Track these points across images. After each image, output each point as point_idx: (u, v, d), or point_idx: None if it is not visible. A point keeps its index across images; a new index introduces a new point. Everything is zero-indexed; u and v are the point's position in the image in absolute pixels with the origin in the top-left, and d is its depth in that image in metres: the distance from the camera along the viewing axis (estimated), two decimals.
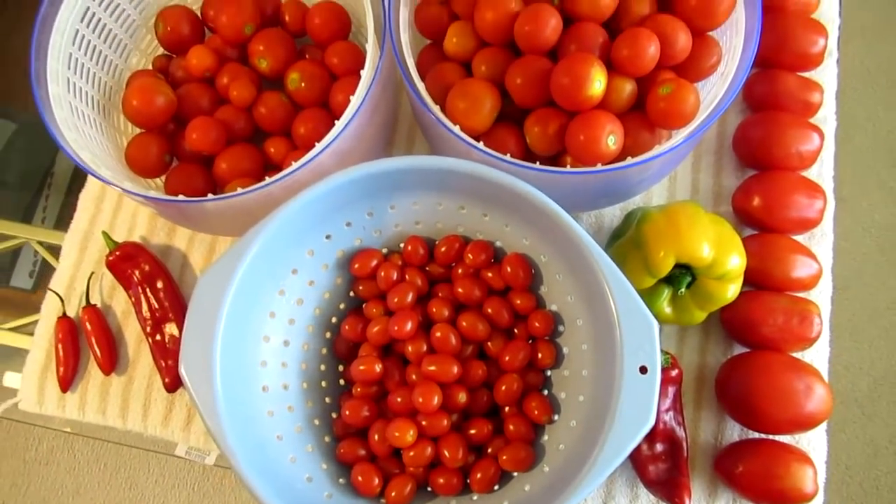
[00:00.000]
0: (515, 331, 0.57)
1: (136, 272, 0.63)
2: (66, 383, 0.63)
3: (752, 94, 0.65)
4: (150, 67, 0.67)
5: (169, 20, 0.65)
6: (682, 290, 0.56)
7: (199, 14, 0.67)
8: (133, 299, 0.63)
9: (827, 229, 0.63)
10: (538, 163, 0.52)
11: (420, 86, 0.54)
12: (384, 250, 0.60)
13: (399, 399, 0.54)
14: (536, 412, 0.54)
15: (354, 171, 0.52)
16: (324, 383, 0.59)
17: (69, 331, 0.63)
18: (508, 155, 0.52)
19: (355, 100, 0.54)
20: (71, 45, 0.59)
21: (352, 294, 0.60)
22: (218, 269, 0.51)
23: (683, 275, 0.56)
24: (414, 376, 0.55)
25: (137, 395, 0.63)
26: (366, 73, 0.55)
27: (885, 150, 1.30)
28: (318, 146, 0.54)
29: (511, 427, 0.54)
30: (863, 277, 1.21)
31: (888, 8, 1.39)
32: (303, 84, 0.63)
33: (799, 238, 0.62)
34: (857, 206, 1.26)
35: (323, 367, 0.59)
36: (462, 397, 0.54)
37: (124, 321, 0.65)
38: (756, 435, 0.58)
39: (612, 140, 0.51)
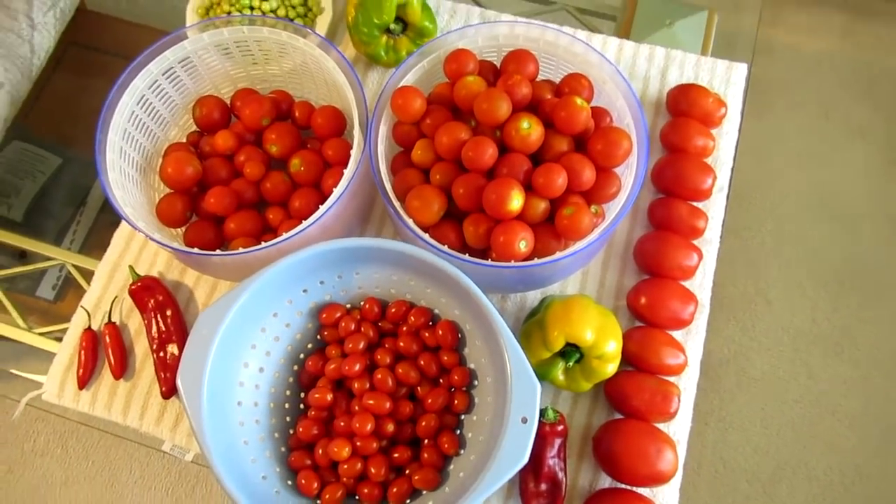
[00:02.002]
0: (441, 380, 0.73)
1: (151, 300, 0.79)
2: (83, 382, 0.78)
3: (654, 215, 0.82)
4: (185, 140, 0.85)
5: (204, 106, 0.83)
6: (571, 363, 0.72)
7: (228, 103, 0.85)
8: (146, 322, 0.79)
9: (699, 328, 0.80)
10: (468, 255, 0.69)
11: (388, 186, 0.72)
12: (348, 305, 0.76)
13: (342, 423, 0.70)
14: (447, 446, 0.69)
15: (331, 244, 0.69)
16: (287, 405, 0.74)
17: (91, 340, 0.79)
18: (447, 246, 0.69)
19: (338, 189, 0.72)
20: (127, 122, 0.77)
21: (318, 337, 0.76)
22: (215, 308, 0.67)
23: (572, 352, 0.72)
24: (356, 407, 0.71)
25: (138, 398, 0.78)
26: (348, 170, 0.72)
27: (808, 264, 1.49)
28: (306, 222, 0.71)
29: (426, 455, 0.69)
30: (777, 372, 1.37)
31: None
32: (302, 168, 0.80)
33: (676, 333, 0.79)
34: (780, 308, 1.44)
35: (288, 392, 0.75)
36: (390, 427, 0.70)
37: (136, 338, 0.81)
38: (620, 485, 0.73)
39: (523, 244, 0.68)
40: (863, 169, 1.58)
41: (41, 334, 0.87)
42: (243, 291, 0.67)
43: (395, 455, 0.70)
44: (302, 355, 0.76)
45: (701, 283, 0.82)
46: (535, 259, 0.69)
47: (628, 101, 0.74)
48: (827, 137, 1.61)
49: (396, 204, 0.71)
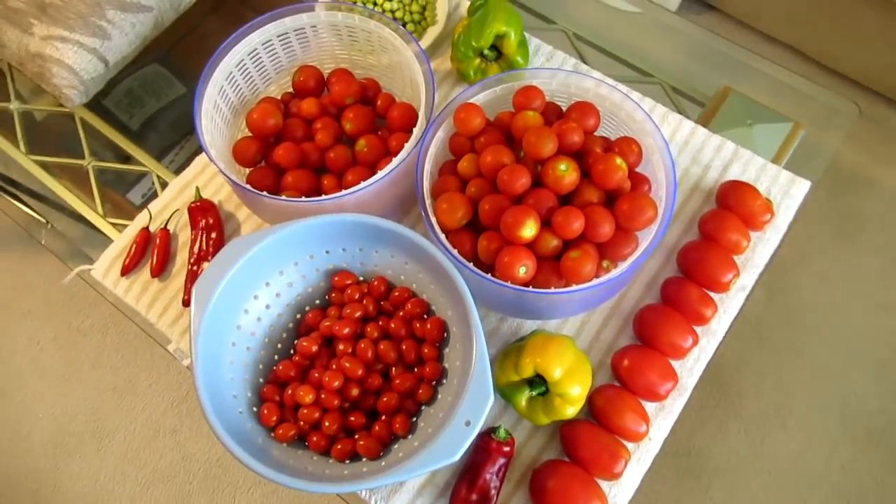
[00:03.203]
0: (415, 369, 0.78)
1: (203, 220, 0.90)
2: (126, 270, 0.90)
3: (666, 290, 0.85)
4: (279, 98, 0.96)
5: (304, 73, 0.94)
6: (535, 393, 0.76)
7: (325, 77, 0.96)
8: (192, 237, 0.90)
9: (673, 409, 0.81)
10: (472, 263, 0.74)
11: (426, 183, 0.79)
12: (360, 278, 0.84)
13: (316, 374, 0.77)
14: (398, 426, 0.75)
15: (352, 216, 0.76)
16: (279, 345, 0.82)
17: (145, 239, 0.91)
18: (457, 251, 0.75)
19: (383, 171, 0.79)
20: (234, 67, 0.89)
21: (327, 297, 0.84)
22: (246, 239, 0.76)
23: (539, 383, 0.76)
24: (334, 365, 0.77)
25: (164, 298, 0.89)
26: (397, 157, 0.80)
27: (841, 404, 1.43)
28: (346, 191, 0.79)
29: (377, 428, 0.75)
30: (770, 500, 1.32)
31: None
32: (366, 149, 0.89)
33: (648, 406, 0.80)
34: (796, 437, 1.39)
35: (284, 335, 0.82)
36: (355, 391, 0.76)
37: (181, 249, 0.92)
38: None
39: (523, 270, 0.73)
40: None
41: (112, 223, 1.00)
42: (272, 233, 0.76)
43: (351, 418, 0.76)
44: (308, 308, 0.83)
45: (690, 368, 0.83)
46: (531, 287, 0.73)
47: (668, 176, 0.78)
48: None
49: (427, 200, 0.78)
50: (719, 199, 0.90)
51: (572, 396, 0.74)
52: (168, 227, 0.92)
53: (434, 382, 0.78)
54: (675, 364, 0.82)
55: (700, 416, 1.42)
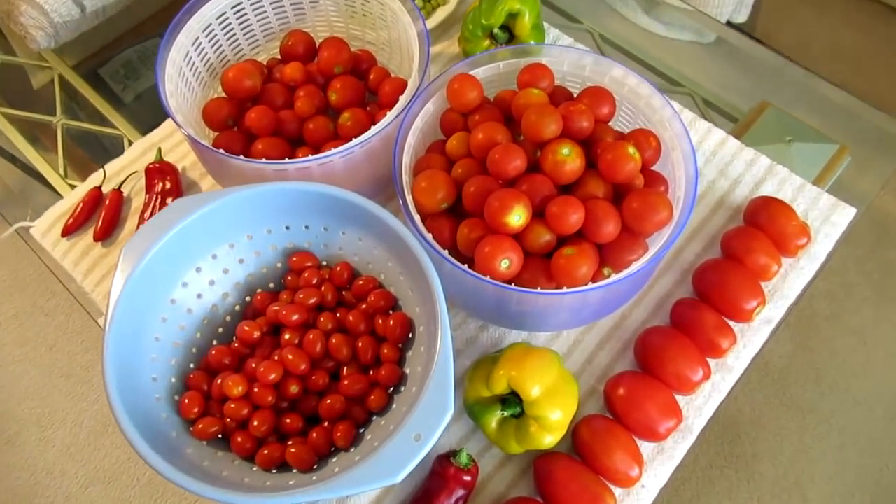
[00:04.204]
0: (371, 371, 0.66)
1: (161, 184, 0.80)
2: (67, 231, 0.80)
3: (676, 313, 0.72)
4: (264, 63, 0.87)
5: (293, 38, 0.85)
6: (507, 414, 0.63)
7: (317, 43, 0.87)
8: (146, 201, 0.80)
9: (673, 454, 0.68)
10: (447, 251, 0.63)
11: (406, 158, 0.68)
12: (324, 262, 0.73)
13: (253, 364, 0.65)
14: (339, 435, 0.62)
15: (317, 187, 0.66)
16: (220, 329, 0.71)
17: (94, 199, 0.81)
18: (431, 235, 0.64)
19: (357, 139, 0.69)
20: (215, 19, 0.80)
21: (283, 280, 0.73)
22: (192, 199, 0.66)
23: (513, 402, 0.63)
24: (276, 356, 0.66)
25: (104, 266, 0.79)
26: (375, 127, 0.70)
27: (870, 482, 1.26)
28: (312, 157, 0.69)
29: (314, 435, 0.63)
30: None
31: None
32: (349, 122, 0.78)
33: (644, 444, 0.67)
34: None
35: (227, 318, 0.71)
36: (294, 388, 0.64)
37: (132, 215, 0.82)
38: None
39: (506, 263, 0.62)
40: None
41: (71, 185, 0.90)
42: (222, 196, 0.66)
43: (287, 420, 0.64)
44: (260, 290, 0.72)
45: (699, 408, 0.70)
46: (514, 285, 0.61)
47: (688, 175, 0.66)
48: None
49: (405, 177, 0.67)
50: (748, 216, 0.77)
51: (551, 422, 0.61)
52: (122, 190, 0.82)
53: (391, 389, 0.66)
54: (680, 399, 0.69)
55: (708, 476, 1.26)
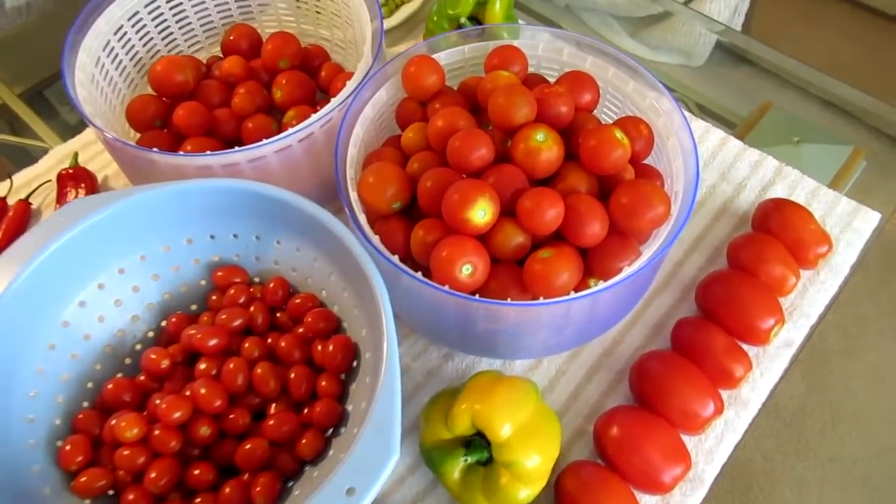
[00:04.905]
0: (306, 409, 0.54)
1: (74, 192, 0.69)
2: None
3: (678, 335, 0.60)
4: (204, 61, 0.77)
5: (235, 32, 0.75)
6: (472, 460, 0.50)
7: (263, 39, 0.77)
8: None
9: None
10: (397, 257, 0.51)
11: (352, 150, 0.57)
12: (257, 279, 0.61)
13: (157, 401, 0.52)
14: (260, 490, 0.49)
15: (242, 184, 0.55)
16: (127, 360, 0.58)
17: None
18: (379, 238, 0.52)
19: (293, 129, 0.59)
20: (145, 9, 0.70)
21: (206, 301, 0.61)
22: (89, 200, 0.55)
23: (479, 445, 0.51)
24: (188, 392, 0.53)
25: None
26: (317, 115, 0.59)
27: None
28: (237, 150, 0.58)
29: (227, 491, 0.49)
30: None
31: None
32: (294, 122, 0.68)
33: (645, 497, 0.54)
34: None
35: (138, 346, 0.59)
36: (205, 431, 0.51)
37: None
38: None
39: (467, 269, 0.50)
40: None
41: None
42: (127, 196, 0.55)
43: (194, 472, 0.51)
44: (180, 312, 0.60)
45: (710, 451, 0.57)
46: (476, 296, 0.50)
47: (687, 165, 0.55)
48: None
49: (349, 171, 0.56)
50: (757, 222, 0.66)
51: (527, 470, 0.48)
52: (31, 201, 0.71)
53: (328, 431, 0.53)
54: (687, 441, 0.56)
55: None
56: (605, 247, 0.53)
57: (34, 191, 0.71)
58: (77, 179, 0.69)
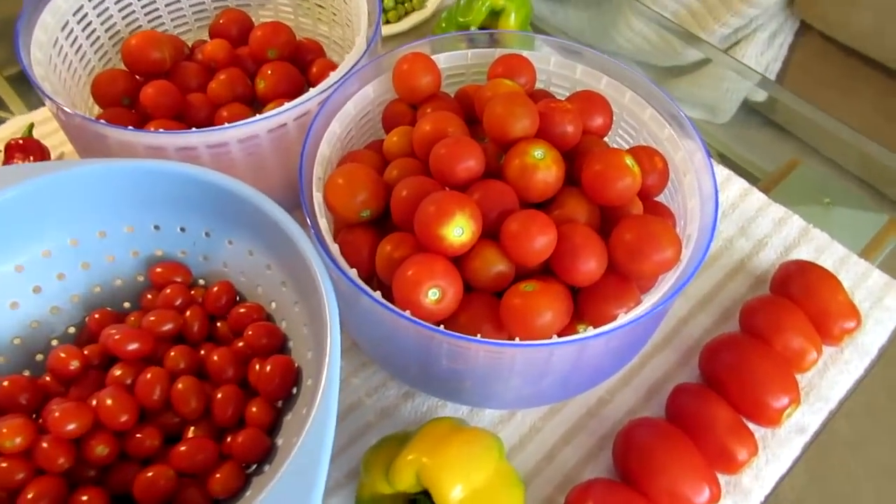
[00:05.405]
0: (229, 439, 0.45)
1: (21, 164, 0.62)
2: None
3: (674, 404, 0.52)
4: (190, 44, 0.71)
5: (226, 16, 0.69)
6: None
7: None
8: None
9: None
10: (355, 272, 0.44)
11: (321, 147, 0.50)
12: (201, 282, 0.53)
13: (54, 407, 0.44)
14: None
15: (188, 169, 0.48)
16: (40, 357, 0.50)
17: None
18: (338, 249, 0.45)
19: (263, 115, 0.52)
20: None
21: (140, 299, 0.53)
22: (20, 166, 0.48)
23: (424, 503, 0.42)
24: (109, 400, 0.45)
25: None
26: (290, 103, 0.53)
27: None
28: (194, 130, 0.51)
29: None
30: None
31: None
32: None
33: None
34: None
35: (55, 342, 0.51)
36: (101, 450, 0.43)
37: None
38: None
39: (434, 294, 0.42)
40: None
41: None
42: (59, 168, 0.48)
43: (83, 498, 0.42)
44: (106, 308, 0.52)
45: None
46: (441, 327, 0.42)
47: (705, 208, 0.48)
48: None
49: (316, 170, 0.49)
50: (777, 284, 0.59)
51: None
52: None
53: (251, 467, 0.45)
54: None
55: None
56: (600, 288, 0.46)
57: None
58: (26, 151, 0.62)
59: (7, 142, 0.63)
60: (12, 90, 0.82)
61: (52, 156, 0.66)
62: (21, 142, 0.63)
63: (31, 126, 0.65)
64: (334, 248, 0.45)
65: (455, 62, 0.58)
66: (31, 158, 0.62)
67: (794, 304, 0.56)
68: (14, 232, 0.48)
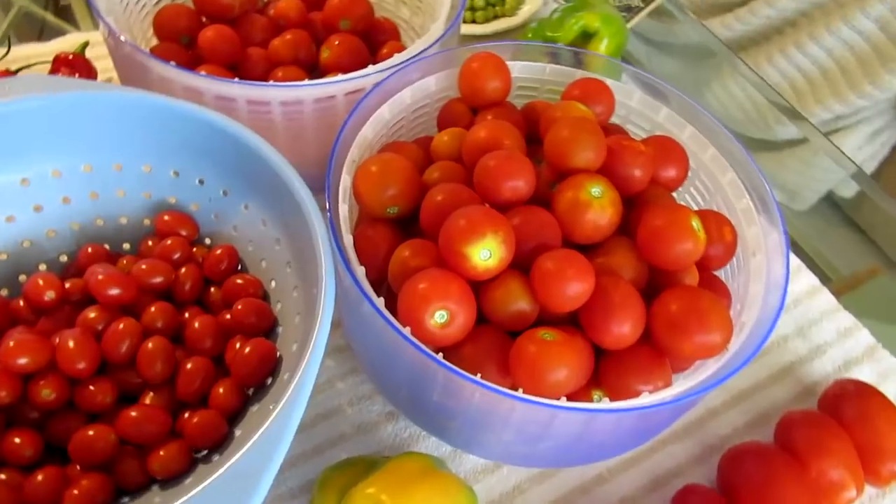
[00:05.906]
0: (187, 416, 0.41)
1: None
2: None
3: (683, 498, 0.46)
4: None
5: None
6: None
7: None
8: None
9: None
10: (363, 270, 0.39)
11: (365, 130, 0.46)
12: (207, 239, 0.50)
13: (11, 336, 0.40)
14: (77, 494, 0.37)
15: (210, 115, 0.44)
16: (22, 278, 0.47)
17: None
18: (351, 242, 0.40)
19: (309, 81, 0.48)
20: None
21: (140, 245, 0.50)
22: (50, 77, 0.46)
23: None
24: (71, 342, 0.41)
25: None
26: (337, 77, 0.49)
27: None
28: (240, 81, 0.47)
29: (39, 478, 0.37)
30: None
31: None
32: None
33: None
34: None
35: (43, 267, 0.48)
36: (47, 394, 0.39)
37: None
38: None
39: (440, 316, 0.37)
40: None
41: None
42: (88, 89, 0.45)
43: (14, 440, 0.38)
44: (99, 245, 0.49)
45: None
46: (440, 356, 0.37)
47: (769, 297, 0.42)
48: None
49: (353, 151, 0.45)
50: (827, 401, 0.52)
51: None
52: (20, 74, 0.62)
53: (201, 452, 0.40)
54: None
55: None
56: (628, 356, 0.40)
57: (27, 67, 0.63)
58: (73, 67, 0.60)
59: (57, 54, 0.61)
60: (85, 6, 0.81)
61: (100, 79, 0.63)
62: (70, 57, 0.61)
63: (85, 44, 0.63)
64: (347, 239, 0.41)
65: (531, 73, 0.53)
66: (77, 76, 0.60)
67: (843, 428, 0.49)
68: (26, 143, 0.45)
